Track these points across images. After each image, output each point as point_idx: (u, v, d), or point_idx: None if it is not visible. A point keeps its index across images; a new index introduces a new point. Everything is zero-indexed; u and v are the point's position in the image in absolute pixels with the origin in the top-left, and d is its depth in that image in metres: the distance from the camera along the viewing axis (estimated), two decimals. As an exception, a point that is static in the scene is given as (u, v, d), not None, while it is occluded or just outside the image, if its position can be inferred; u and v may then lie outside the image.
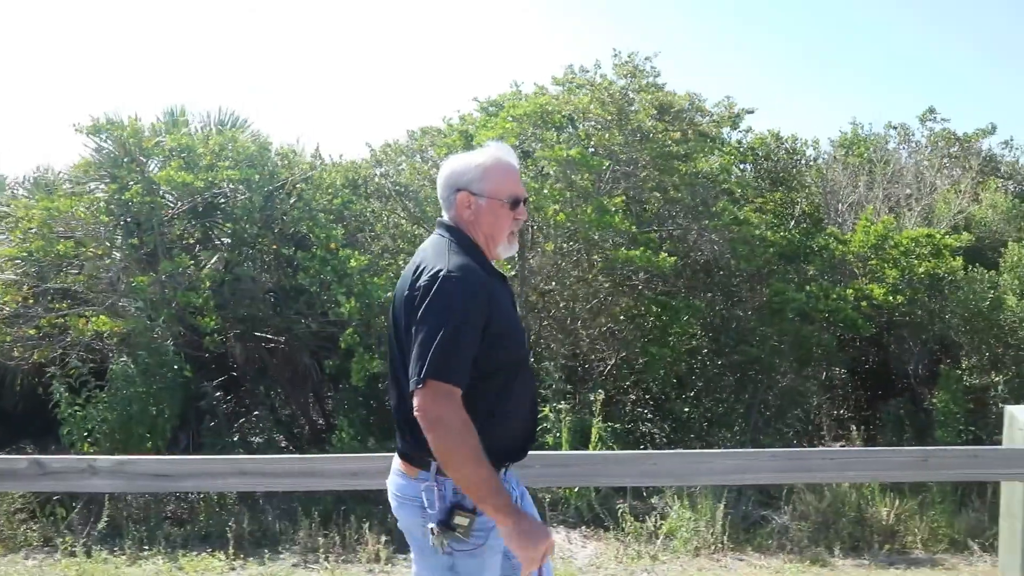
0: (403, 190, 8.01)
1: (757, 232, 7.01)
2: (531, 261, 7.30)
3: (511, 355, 2.17)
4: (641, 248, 6.98)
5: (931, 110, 10.75)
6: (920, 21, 26.80)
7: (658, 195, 7.41)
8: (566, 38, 33.25)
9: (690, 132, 7.76)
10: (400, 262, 7.45)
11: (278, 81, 28.36)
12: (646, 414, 7.62)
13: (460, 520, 2.08)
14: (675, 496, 5.78)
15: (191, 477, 3.04)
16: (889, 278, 7.22)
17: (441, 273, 2.05)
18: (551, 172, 6.79)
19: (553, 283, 7.49)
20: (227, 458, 3.54)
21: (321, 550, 5.27)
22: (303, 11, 32.25)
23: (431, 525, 2.09)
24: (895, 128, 10.97)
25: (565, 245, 7.31)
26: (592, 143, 7.06)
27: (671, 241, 7.63)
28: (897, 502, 5.81)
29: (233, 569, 5.23)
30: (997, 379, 6.81)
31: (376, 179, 8.12)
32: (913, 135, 11.00)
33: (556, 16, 36.54)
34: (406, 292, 2.13)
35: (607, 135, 7.05)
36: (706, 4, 30.29)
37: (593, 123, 7.24)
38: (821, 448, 3.78)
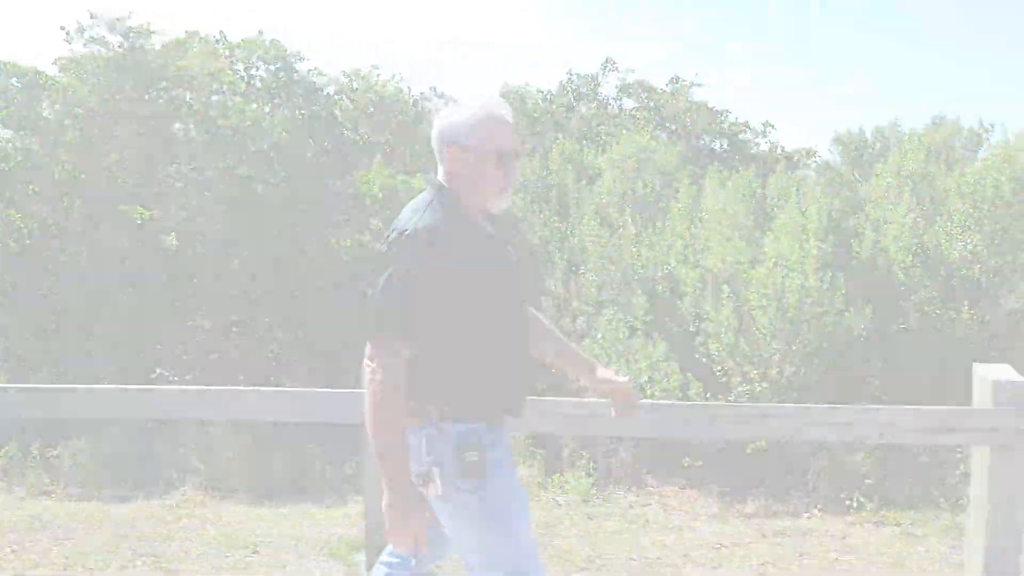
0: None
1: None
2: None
3: (490, 311, 2.16)
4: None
5: (610, 59, 10.45)
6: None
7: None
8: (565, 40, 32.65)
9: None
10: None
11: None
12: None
13: (471, 457, 2.09)
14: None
15: None
16: (373, 225, 7.18)
17: (402, 233, 2.11)
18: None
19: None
20: None
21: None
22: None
23: (433, 469, 2.09)
24: (582, 77, 10.70)
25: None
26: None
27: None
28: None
29: None
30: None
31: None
32: (601, 87, 10.71)
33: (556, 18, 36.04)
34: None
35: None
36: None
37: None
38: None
